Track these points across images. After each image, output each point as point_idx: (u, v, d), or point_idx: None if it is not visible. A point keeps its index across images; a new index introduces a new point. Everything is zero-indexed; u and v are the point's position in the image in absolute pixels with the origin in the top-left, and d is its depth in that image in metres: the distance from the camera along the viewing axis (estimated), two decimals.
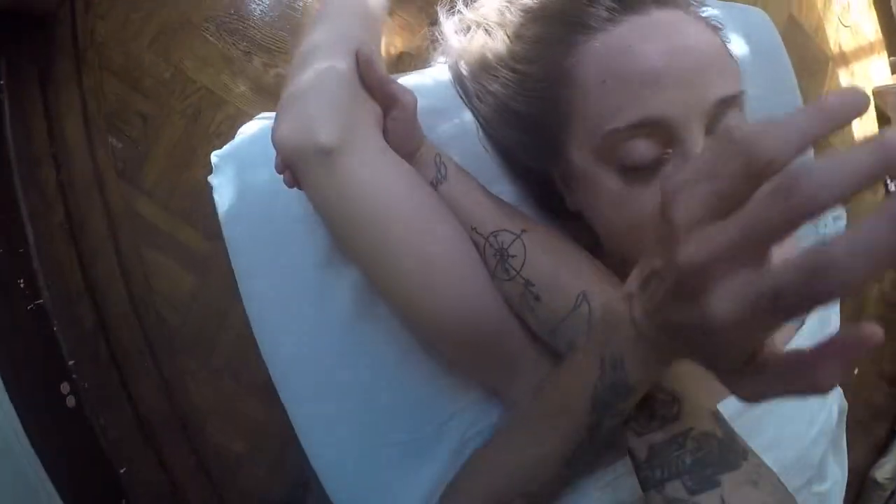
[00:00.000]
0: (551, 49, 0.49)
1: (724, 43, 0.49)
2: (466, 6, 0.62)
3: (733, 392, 0.30)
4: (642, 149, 0.44)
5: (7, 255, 0.96)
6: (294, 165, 0.48)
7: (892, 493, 1.34)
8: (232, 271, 0.62)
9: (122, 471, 1.04)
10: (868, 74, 1.55)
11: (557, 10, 0.50)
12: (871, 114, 1.48)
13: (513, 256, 0.52)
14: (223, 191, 0.62)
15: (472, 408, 0.60)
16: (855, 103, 0.23)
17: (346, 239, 0.53)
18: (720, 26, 0.51)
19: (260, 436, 1.11)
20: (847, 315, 0.61)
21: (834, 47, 1.51)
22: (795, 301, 0.22)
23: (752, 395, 0.29)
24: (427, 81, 0.63)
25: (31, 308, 0.98)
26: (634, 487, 0.47)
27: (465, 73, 0.60)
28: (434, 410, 0.60)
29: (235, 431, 1.12)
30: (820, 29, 1.48)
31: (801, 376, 0.26)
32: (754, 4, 0.81)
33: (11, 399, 0.88)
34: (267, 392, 0.62)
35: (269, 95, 1.11)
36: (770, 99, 0.67)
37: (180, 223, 1.10)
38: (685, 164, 0.40)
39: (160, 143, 1.09)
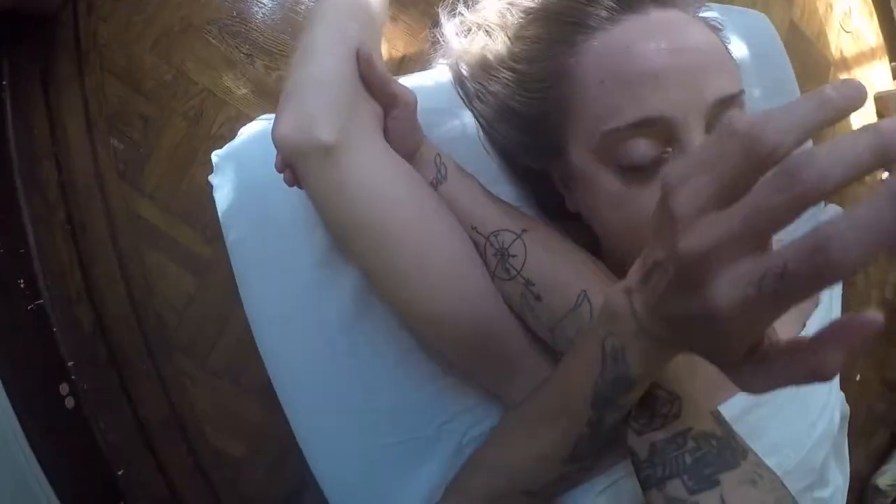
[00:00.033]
0: (551, 49, 0.50)
1: (723, 43, 0.49)
2: (467, 8, 0.62)
3: (736, 384, 0.30)
4: (642, 148, 0.44)
5: (7, 256, 0.96)
6: (294, 163, 0.48)
7: (894, 501, 1.33)
8: (233, 275, 0.62)
9: (120, 472, 1.03)
10: (869, 80, 1.55)
11: (557, 10, 0.50)
12: (872, 118, 1.48)
13: (513, 256, 0.52)
14: (223, 190, 0.62)
15: (472, 409, 0.60)
16: (853, 95, 0.24)
17: (345, 238, 0.53)
18: (720, 27, 0.51)
19: (259, 439, 1.11)
20: None
21: (835, 53, 1.51)
22: (799, 281, 0.22)
23: (754, 387, 0.29)
24: (427, 83, 0.63)
25: (31, 309, 0.98)
26: (633, 492, 0.46)
27: (465, 73, 0.60)
28: (434, 411, 0.60)
29: (234, 434, 1.12)
30: (821, 35, 1.48)
31: (802, 364, 0.26)
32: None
33: (10, 399, 0.88)
34: (267, 395, 0.62)
35: (270, 98, 1.11)
36: (771, 101, 0.67)
37: (181, 225, 1.09)
38: (684, 157, 0.40)
39: (161, 145, 1.09)
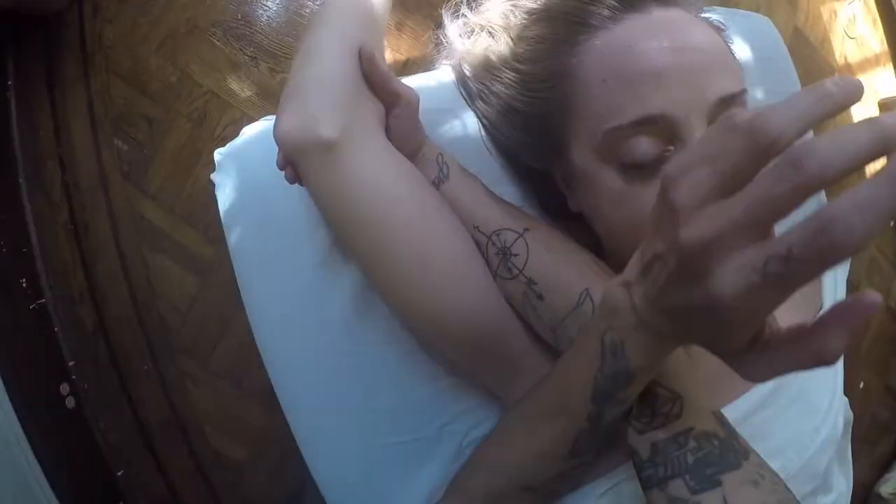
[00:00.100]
0: (553, 48, 0.50)
1: (726, 43, 0.49)
2: (471, 10, 0.63)
3: (739, 373, 0.30)
4: (644, 146, 0.44)
5: (10, 255, 0.96)
6: (295, 161, 0.48)
7: None
8: (235, 278, 0.63)
9: (120, 473, 1.03)
10: (873, 86, 1.54)
11: (560, 9, 0.50)
12: None
13: (515, 255, 0.52)
14: (225, 188, 0.62)
15: (474, 410, 0.60)
16: (852, 90, 0.24)
17: (345, 237, 0.53)
18: (723, 27, 0.51)
19: (260, 441, 1.11)
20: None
21: (840, 59, 1.51)
22: (803, 264, 0.23)
23: (757, 375, 0.29)
24: (430, 83, 0.63)
25: (33, 308, 0.98)
26: (634, 495, 0.46)
27: (468, 74, 0.60)
28: (435, 412, 0.60)
29: (236, 438, 1.12)
30: (826, 41, 1.48)
31: (805, 349, 0.26)
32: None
33: (11, 399, 0.88)
34: (268, 398, 0.62)
35: (274, 100, 1.11)
36: None
37: (184, 226, 1.10)
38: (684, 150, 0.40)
39: (166, 147, 1.09)
